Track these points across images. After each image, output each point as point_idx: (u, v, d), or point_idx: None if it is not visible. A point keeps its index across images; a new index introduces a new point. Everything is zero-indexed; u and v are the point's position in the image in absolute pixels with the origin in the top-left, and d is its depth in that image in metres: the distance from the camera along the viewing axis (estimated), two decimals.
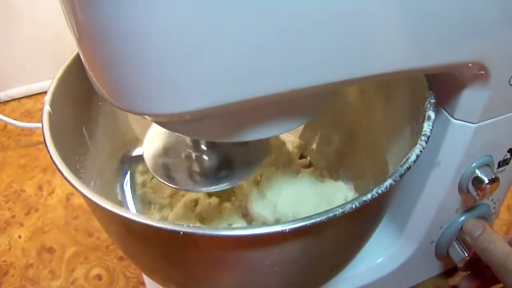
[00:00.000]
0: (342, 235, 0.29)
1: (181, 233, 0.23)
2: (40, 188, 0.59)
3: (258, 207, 0.39)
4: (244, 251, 0.26)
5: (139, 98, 0.23)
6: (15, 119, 0.65)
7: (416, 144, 0.28)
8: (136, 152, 0.44)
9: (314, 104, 0.29)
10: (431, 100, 0.30)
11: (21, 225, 0.54)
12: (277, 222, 0.36)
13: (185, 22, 0.20)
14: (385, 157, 0.37)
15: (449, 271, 0.48)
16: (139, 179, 0.44)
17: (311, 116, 0.30)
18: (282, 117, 0.28)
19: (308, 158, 0.50)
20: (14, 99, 0.73)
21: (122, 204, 0.42)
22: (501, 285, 0.36)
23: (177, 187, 0.36)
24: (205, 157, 0.37)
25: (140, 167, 0.44)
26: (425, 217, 0.39)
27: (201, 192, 0.42)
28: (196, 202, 0.42)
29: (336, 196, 0.40)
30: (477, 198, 0.36)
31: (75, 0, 0.20)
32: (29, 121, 0.68)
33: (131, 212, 0.24)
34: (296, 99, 0.27)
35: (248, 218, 0.41)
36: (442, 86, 0.31)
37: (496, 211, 0.43)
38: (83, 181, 0.27)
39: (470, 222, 0.40)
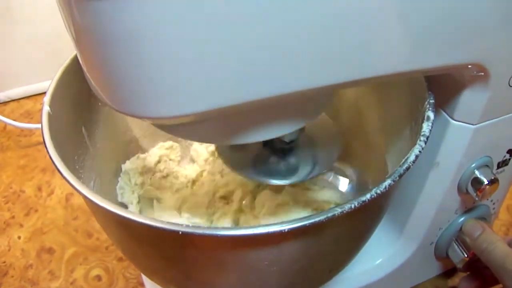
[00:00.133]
0: (341, 235, 0.29)
1: (180, 233, 0.23)
2: (39, 188, 0.59)
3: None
4: (243, 251, 0.26)
5: (137, 101, 0.23)
6: (14, 120, 0.65)
7: (415, 144, 0.28)
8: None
9: (314, 106, 0.29)
10: (430, 101, 0.30)
11: (21, 225, 0.54)
12: None
13: (183, 26, 0.20)
14: (384, 158, 0.37)
15: (449, 271, 0.48)
16: (139, 179, 0.44)
17: (311, 117, 0.30)
18: (283, 119, 0.28)
19: None
20: (13, 100, 0.73)
21: (122, 204, 0.42)
22: (500, 285, 0.36)
23: (238, 173, 0.37)
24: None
25: (139, 168, 0.44)
26: (425, 218, 0.39)
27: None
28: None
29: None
30: (477, 199, 0.36)
31: (73, 3, 0.20)
32: (28, 122, 0.68)
33: (131, 212, 0.24)
34: (296, 101, 0.27)
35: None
36: (441, 87, 0.31)
37: (496, 212, 0.43)
38: (82, 182, 0.27)
39: (469, 223, 0.40)
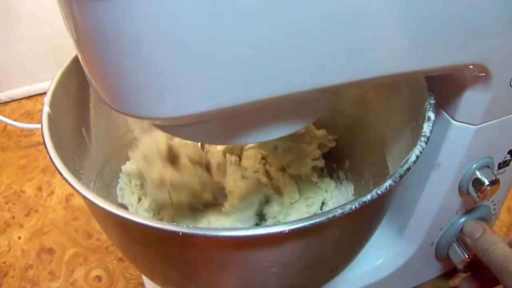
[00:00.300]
0: (341, 236, 0.29)
1: (181, 233, 0.23)
2: (39, 189, 0.59)
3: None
4: (244, 252, 0.26)
5: (137, 101, 0.23)
6: (15, 120, 0.65)
7: (416, 145, 0.28)
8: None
9: (315, 106, 0.29)
10: (431, 101, 0.30)
11: (21, 226, 0.54)
12: None
13: (183, 27, 0.20)
14: (385, 158, 0.37)
15: (449, 272, 0.48)
16: (138, 181, 0.44)
17: (312, 117, 0.30)
18: (283, 120, 0.28)
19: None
20: (14, 100, 0.73)
21: (122, 205, 0.42)
22: (501, 286, 0.36)
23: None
24: None
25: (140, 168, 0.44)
26: (425, 218, 0.39)
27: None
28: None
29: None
30: (477, 199, 0.36)
31: (74, 4, 0.20)
32: (29, 122, 0.68)
33: (130, 213, 0.24)
34: (296, 102, 0.27)
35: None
36: (442, 88, 0.31)
37: (496, 213, 0.43)
38: (82, 182, 0.27)
39: (470, 223, 0.39)
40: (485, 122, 0.32)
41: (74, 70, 0.34)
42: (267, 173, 0.46)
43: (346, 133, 0.46)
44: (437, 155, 0.35)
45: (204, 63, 0.21)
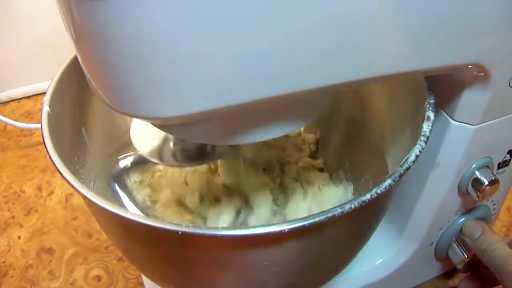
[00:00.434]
0: (341, 236, 0.29)
1: (180, 233, 0.23)
2: (39, 188, 0.59)
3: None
4: (243, 251, 0.26)
5: (137, 101, 0.23)
6: (14, 120, 0.65)
7: (416, 144, 0.28)
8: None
9: (314, 105, 0.29)
10: (431, 101, 0.30)
11: (21, 226, 0.54)
12: None
13: (183, 27, 0.20)
14: (385, 158, 0.37)
15: (449, 272, 0.48)
16: (138, 178, 0.44)
17: (312, 117, 0.30)
18: (284, 119, 0.28)
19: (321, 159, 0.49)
20: (13, 100, 0.73)
21: (121, 204, 0.42)
22: (500, 286, 0.36)
23: (163, 163, 0.37)
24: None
25: (139, 168, 0.44)
26: (425, 218, 0.39)
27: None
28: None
29: None
30: (477, 199, 0.36)
31: (72, 4, 0.20)
32: (28, 122, 0.68)
33: (130, 212, 0.24)
34: (296, 101, 0.27)
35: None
36: (442, 87, 0.31)
37: (496, 213, 0.43)
38: (82, 182, 0.27)
39: (469, 223, 0.39)
40: (484, 122, 0.32)
41: (74, 69, 0.34)
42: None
43: (345, 133, 0.46)
44: (437, 155, 0.35)
45: (203, 62, 0.21)
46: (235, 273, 0.28)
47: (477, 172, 0.35)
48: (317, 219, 0.24)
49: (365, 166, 0.42)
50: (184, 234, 0.23)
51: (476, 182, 0.35)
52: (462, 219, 0.40)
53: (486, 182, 0.35)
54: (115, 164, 0.43)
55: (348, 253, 0.33)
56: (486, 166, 0.36)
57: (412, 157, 0.27)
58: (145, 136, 0.38)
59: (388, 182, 0.26)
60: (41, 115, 0.31)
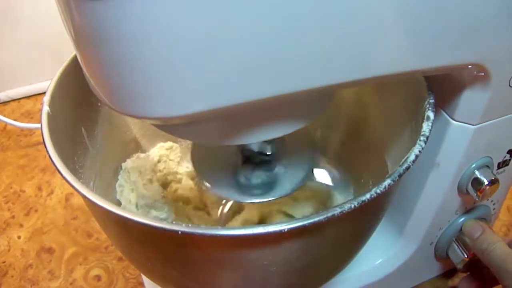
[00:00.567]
0: (341, 235, 0.29)
1: (180, 232, 0.23)
2: (39, 188, 0.59)
3: None
4: (243, 251, 0.26)
5: (136, 101, 0.23)
6: (14, 120, 0.65)
7: (415, 144, 0.28)
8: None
9: (314, 106, 0.29)
10: (430, 101, 0.30)
11: (21, 225, 0.54)
12: None
13: (182, 27, 0.20)
14: (384, 157, 0.37)
15: (449, 272, 0.48)
16: (138, 178, 0.44)
17: (312, 117, 0.30)
18: (284, 119, 0.28)
19: None
20: (13, 100, 0.73)
21: (120, 202, 0.42)
22: (500, 286, 0.36)
23: (219, 193, 0.36)
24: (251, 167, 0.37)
25: (139, 167, 0.44)
26: (425, 218, 0.39)
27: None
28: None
29: None
30: (477, 199, 0.36)
31: (72, 3, 0.20)
32: (28, 122, 0.68)
33: (130, 212, 0.24)
34: (296, 101, 0.27)
35: None
36: (441, 87, 0.31)
37: (496, 212, 0.43)
38: (82, 182, 0.27)
39: (469, 223, 0.39)
40: (484, 122, 0.32)
41: (74, 69, 0.34)
42: None
43: (345, 133, 0.46)
44: (436, 154, 0.35)
45: (203, 62, 0.21)
46: (234, 272, 0.28)
47: (477, 172, 0.35)
48: (316, 219, 0.24)
49: (365, 166, 0.42)
50: (184, 234, 0.23)
51: (476, 182, 0.35)
52: (462, 219, 0.40)
53: (486, 182, 0.35)
54: (115, 163, 0.43)
55: (348, 253, 0.33)
56: (486, 166, 0.36)
57: (412, 157, 0.27)
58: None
59: (387, 181, 0.26)
60: (41, 115, 0.31)
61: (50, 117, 0.31)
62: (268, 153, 0.35)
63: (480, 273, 0.42)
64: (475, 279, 0.42)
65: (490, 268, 0.36)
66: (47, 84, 0.33)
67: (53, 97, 0.32)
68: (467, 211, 0.40)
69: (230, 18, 0.20)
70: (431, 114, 0.30)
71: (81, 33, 0.21)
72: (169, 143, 0.47)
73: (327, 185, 0.46)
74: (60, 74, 0.34)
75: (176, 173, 0.47)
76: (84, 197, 0.26)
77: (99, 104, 0.38)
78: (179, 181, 0.46)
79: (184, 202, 0.44)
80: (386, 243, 0.43)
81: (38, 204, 0.57)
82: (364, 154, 0.42)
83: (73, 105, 0.35)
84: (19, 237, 0.53)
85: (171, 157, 0.47)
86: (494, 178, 0.35)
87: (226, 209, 0.43)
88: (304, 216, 0.24)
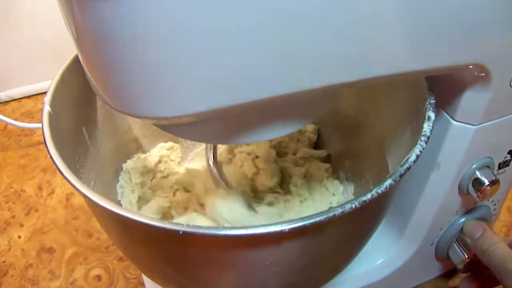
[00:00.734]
0: (341, 235, 0.29)
1: (181, 232, 0.23)
2: (40, 188, 0.59)
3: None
4: (244, 251, 0.26)
5: (138, 101, 0.23)
6: (15, 120, 0.65)
7: (416, 144, 0.28)
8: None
9: (316, 106, 0.29)
10: (431, 101, 0.30)
11: (21, 225, 0.54)
12: None
13: (184, 27, 0.20)
14: (385, 158, 0.37)
15: (449, 272, 0.48)
16: (139, 179, 0.44)
17: (313, 117, 0.30)
18: (285, 119, 0.28)
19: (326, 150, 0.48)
20: (14, 100, 0.73)
21: (121, 203, 0.42)
22: (501, 286, 0.36)
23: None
24: None
25: (140, 168, 0.44)
26: (425, 218, 0.39)
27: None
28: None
29: None
30: (477, 199, 0.36)
31: (74, 3, 0.20)
32: (29, 122, 0.68)
33: (131, 212, 0.24)
34: (297, 101, 0.27)
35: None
36: (442, 88, 0.31)
37: (496, 213, 0.43)
38: (83, 181, 0.27)
39: (470, 223, 0.40)
40: (485, 122, 0.32)
41: (75, 69, 0.34)
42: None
43: (346, 133, 0.46)
44: (437, 155, 0.35)
45: (204, 62, 0.21)
46: (235, 272, 0.28)
47: (477, 172, 0.35)
48: (317, 219, 0.24)
49: (366, 166, 0.42)
50: (185, 233, 0.23)
51: (477, 182, 0.35)
52: (463, 219, 0.40)
53: (487, 182, 0.35)
54: (115, 163, 0.43)
55: (348, 253, 0.33)
56: (486, 166, 0.36)
57: (413, 157, 0.27)
58: None
59: (388, 182, 0.26)
60: (42, 114, 0.31)
61: (51, 116, 0.31)
62: None
63: (481, 273, 0.42)
64: (475, 279, 0.42)
65: (490, 268, 0.36)
66: (48, 83, 0.33)
67: (54, 97, 0.32)
68: (468, 211, 0.40)
69: (232, 19, 0.20)
70: (432, 115, 0.30)
71: (82, 33, 0.21)
72: (170, 143, 0.47)
73: None
74: (61, 74, 0.34)
75: (177, 173, 0.47)
76: (85, 196, 0.26)
77: (100, 103, 0.38)
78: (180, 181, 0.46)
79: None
80: (386, 243, 0.43)
81: (38, 204, 0.57)
82: (365, 154, 0.42)
83: (74, 104, 0.35)
84: (19, 237, 0.53)
85: (172, 157, 0.47)
86: (495, 179, 0.35)
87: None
88: (304, 216, 0.24)
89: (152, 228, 0.24)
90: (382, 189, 0.25)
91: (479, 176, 0.35)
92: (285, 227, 0.23)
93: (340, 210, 0.24)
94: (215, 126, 0.27)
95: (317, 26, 0.21)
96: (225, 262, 0.27)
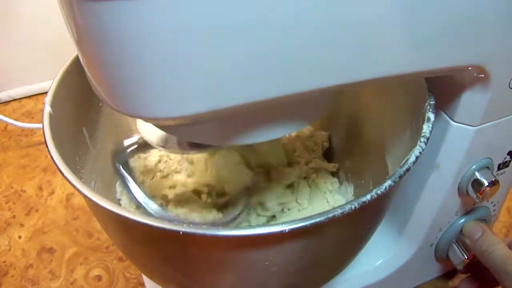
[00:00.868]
0: (341, 236, 0.29)
1: (181, 233, 0.23)
2: (40, 188, 0.59)
3: None
4: (244, 251, 0.26)
5: (138, 101, 0.23)
6: (15, 120, 0.65)
7: (416, 145, 0.28)
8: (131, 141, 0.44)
9: (316, 106, 0.29)
10: (431, 102, 0.30)
11: (21, 225, 0.54)
12: None
13: (183, 29, 0.20)
14: (385, 159, 0.37)
15: (449, 273, 0.48)
16: (139, 178, 0.44)
17: (313, 118, 0.30)
18: (285, 120, 0.28)
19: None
20: (14, 100, 0.73)
21: (120, 201, 0.42)
22: (500, 287, 0.36)
23: (170, 149, 0.36)
24: None
25: (141, 167, 0.44)
26: (425, 219, 0.39)
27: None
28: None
29: None
30: (477, 200, 0.36)
31: (74, 4, 0.20)
32: (29, 122, 0.69)
33: (131, 212, 0.24)
34: (297, 102, 0.27)
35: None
36: (442, 89, 0.32)
37: (496, 214, 0.43)
38: (83, 182, 0.27)
39: (469, 224, 0.40)
40: (484, 123, 0.32)
41: (75, 70, 0.34)
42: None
43: (346, 134, 0.46)
44: (437, 156, 0.35)
45: (203, 64, 0.21)
46: (235, 273, 0.29)
47: (477, 173, 0.35)
48: (317, 220, 0.24)
49: (365, 167, 0.42)
50: (185, 234, 0.23)
51: (476, 183, 0.36)
52: (462, 220, 0.40)
53: (486, 183, 0.35)
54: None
55: (348, 254, 0.33)
56: (486, 167, 0.36)
57: (412, 158, 0.27)
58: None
59: (388, 183, 0.26)
60: (42, 115, 0.31)
61: (51, 117, 0.31)
62: None
63: (480, 274, 0.42)
64: (475, 280, 0.42)
65: (490, 269, 0.36)
66: (48, 84, 0.33)
67: (55, 97, 0.32)
68: (467, 212, 0.40)
69: (230, 20, 0.20)
70: (431, 116, 0.30)
71: (83, 34, 0.22)
72: None
73: None
74: (62, 74, 0.34)
75: (177, 172, 0.47)
76: (85, 197, 0.26)
77: (100, 104, 0.39)
78: (180, 182, 0.46)
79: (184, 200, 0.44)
80: (386, 244, 0.43)
81: (39, 204, 0.57)
82: (364, 155, 0.42)
83: (74, 105, 0.35)
84: (19, 237, 0.53)
85: (172, 156, 0.47)
86: (494, 180, 0.35)
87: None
88: (305, 217, 0.24)
89: (152, 228, 0.24)
90: (382, 190, 0.25)
91: (479, 177, 0.35)
92: (286, 227, 0.23)
93: (340, 211, 0.24)
94: (215, 127, 0.27)
95: (317, 27, 0.21)
96: (225, 262, 0.27)
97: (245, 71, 0.22)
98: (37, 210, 0.56)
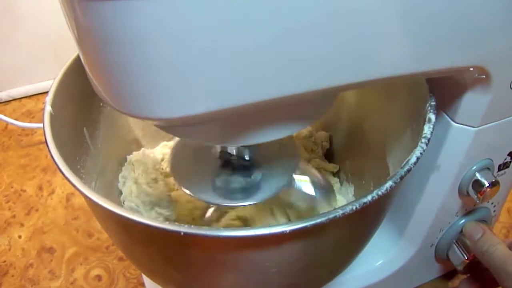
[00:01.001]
0: (342, 237, 0.29)
1: (182, 233, 0.23)
2: (40, 188, 0.59)
3: None
4: (245, 252, 0.26)
5: (139, 101, 0.23)
6: (16, 119, 0.65)
7: (417, 146, 0.28)
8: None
9: (316, 107, 0.29)
10: (432, 103, 0.30)
11: (21, 225, 0.54)
12: None
13: (185, 29, 0.20)
14: (386, 159, 0.37)
15: (449, 274, 0.48)
16: (142, 172, 0.44)
17: (314, 118, 0.30)
18: (286, 120, 0.28)
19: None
20: (15, 99, 0.73)
21: (122, 204, 0.42)
22: None
23: (196, 197, 0.35)
24: (233, 167, 0.36)
25: (141, 167, 0.44)
26: (425, 220, 0.39)
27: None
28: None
29: None
30: (477, 201, 0.36)
31: (75, 3, 0.20)
32: (30, 121, 0.69)
33: (132, 212, 0.24)
34: (298, 102, 0.27)
35: None
36: (443, 90, 0.32)
37: (496, 214, 0.43)
38: (84, 182, 0.27)
39: (470, 225, 0.40)
40: (485, 124, 0.32)
41: (76, 69, 0.34)
42: None
43: (347, 134, 0.46)
44: (437, 157, 0.35)
45: (205, 64, 0.21)
46: (236, 273, 0.29)
47: (477, 174, 0.35)
48: (318, 220, 0.24)
49: (366, 168, 0.42)
50: (186, 234, 0.23)
51: (477, 184, 0.36)
52: (463, 221, 0.40)
53: (487, 184, 0.35)
54: (116, 164, 0.43)
55: (348, 254, 0.33)
56: (486, 168, 0.36)
57: (413, 159, 0.27)
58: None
59: (389, 183, 0.26)
60: (43, 114, 0.31)
61: (52, 116, 0.31)
62: (246, 158, 0.35)
63: (480, 275, 0.42)
64: (475, 280, 0.42)
65: (490, 269, 0.36)
66: (49, 83, 0.33)
67: (55, 97, 0.32)
68: (468, 213, 0.40)
69: (234, 21, 0.20)
70: (432, 116, 0.30)
71: (84, 33, 0.21)
72: (173, 142, 0.47)
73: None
74: (62, 74, 0.34)
75: None
76: (85, 197, 0.26)
77: (101, 104, 0.39)
78: None
79: (188, 201, 0.44)
80: (386, 245, 0.43)
81: (39, 204, 0.57)
82: (365, 156, 0.42)
83: (75, 105, 0.35)
84: (19, 237, 0.53)
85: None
86: (495, 180, 0.35)
87: (208, 214, 0.42)
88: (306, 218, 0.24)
89: (152, 229, 0.24)
90: (383, 191, 0.25)
91: (479, 177, 0.35)
92: (286, 228, 0.23)
93: (340, 212, 0.24)
94: (216, 127, 0.27)
95: (318, 29, 0.21)
96: (226, 263, 0.27)
97: (248, 72, 0.22)
98: (37, 210, 0.56)
